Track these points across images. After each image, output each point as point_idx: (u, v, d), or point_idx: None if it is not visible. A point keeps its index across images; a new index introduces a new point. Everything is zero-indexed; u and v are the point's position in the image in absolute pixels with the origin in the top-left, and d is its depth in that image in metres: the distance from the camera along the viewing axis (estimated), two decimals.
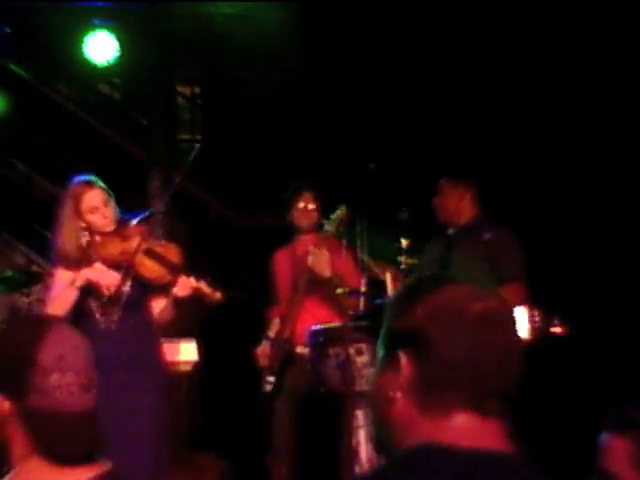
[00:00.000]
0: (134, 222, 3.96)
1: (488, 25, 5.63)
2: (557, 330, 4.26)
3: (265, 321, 5.03)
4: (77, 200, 3.86)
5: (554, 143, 5.64)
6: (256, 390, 4.85)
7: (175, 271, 3.80)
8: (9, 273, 5.78)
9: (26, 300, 5.81)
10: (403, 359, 1.45)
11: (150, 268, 3.83)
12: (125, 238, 3.86)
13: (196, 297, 3.81)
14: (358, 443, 4.30)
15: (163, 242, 3.95)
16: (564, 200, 5.56)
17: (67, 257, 3.87)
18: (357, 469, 4.26)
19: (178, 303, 3.91)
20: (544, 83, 5.66)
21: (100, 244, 3.88)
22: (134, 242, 3.83)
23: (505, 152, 5.66)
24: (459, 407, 1.43)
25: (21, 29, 6.37)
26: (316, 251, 4.66)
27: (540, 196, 5.55)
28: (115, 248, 3.85)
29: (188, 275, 3.80)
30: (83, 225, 3.87)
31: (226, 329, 6.43)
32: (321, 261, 4.66)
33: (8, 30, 6.34)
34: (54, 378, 1.76)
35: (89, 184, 3.90)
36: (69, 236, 3.87)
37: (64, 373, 1.77)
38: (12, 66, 7.08)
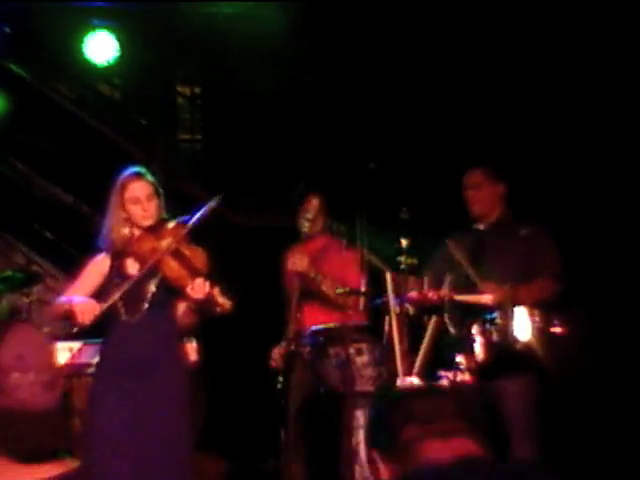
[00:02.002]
0: (174, 222, 3.97)
1: (485, 28, 5.64)
2: (557, 330, 4.26)
3: (284, 322, 5.03)
4: (122, 190, 3.93)
5: (559, 141, 5.64)
6: (257, 390, 4.85)
7: (196, 275, 3.79)
8: (9, 273, 5.79)
9: (26, 300, 5.80)
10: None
11: (172, 268, 3.84)
12: (159, 237, 3.89)
13: (207, 303, 3.79)
14: (358, 443, 4.31)
15: (194, 246, 3.94)
16: (567, 199, 5.56)
17: (109, 245, 3.95)
18: (357, 469, 4.26)
19: (197, 310, 3.90)
20: (541, 81, 5.67)
21: (136, 239, 3.93)
22: (165, 242, 3.85)
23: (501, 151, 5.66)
24: (425, 442, 1.72)
25: (21, 29, 6.37)
26: (296, 255, 4.74)
27: (540, 195, 5.55)
28: (147, 245, 3.88)
29: (206, 280, 3.79)
30: (125, 216, 3.92)
31: (226, 329, 6.43)
32: (302, 262, 4.71)
33: (8, 30, 6.34)
34: (14, 378, 1.76)
35: (136, 175, 3.96)
36: (112, 225, 3.94)
37: (25, 372, 1.77)
38: (12, 66, 7.07)
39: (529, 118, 5.70)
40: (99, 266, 3.97)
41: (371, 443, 1.82)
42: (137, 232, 3.94)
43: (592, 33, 5.37)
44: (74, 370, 4.95)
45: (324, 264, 4.87)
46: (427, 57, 5.94)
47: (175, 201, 5.73)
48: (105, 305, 3.77)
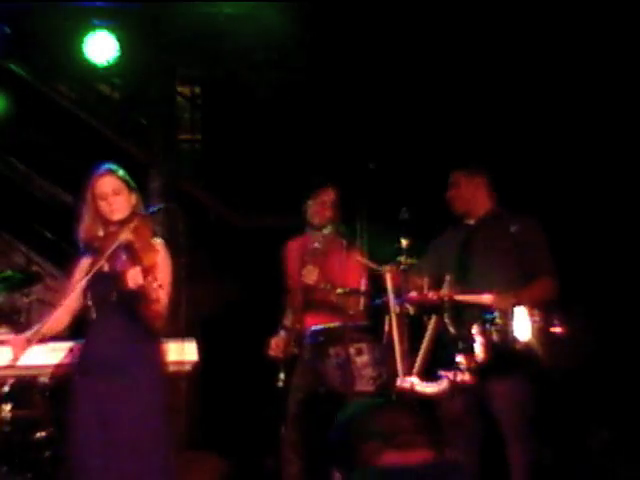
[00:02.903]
0: (138, 216, 3.93)
1: (484, 26, 5.65)
2: (557, 330, 4.26)
3: (281, 310, 5.05)
4: (92, 186, 3.93)
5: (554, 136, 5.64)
6: (257, 389, 4.86)
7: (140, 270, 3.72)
8: (9, 273, 5.78)
9: (26, 300, 5.81)
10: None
11: (122, 262, 3.81)
12: (121, 231, 3.86)
13: (139, 294, 3.69)
14: None
15: (152, 242, 3.87)
16: (567, 196, 5.56)
17: (82, 243, 3.94)
18: None
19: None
20: (539, 81, 5.67)
21: (106, 235, 3.91)
22: (123, 235, 3.83)
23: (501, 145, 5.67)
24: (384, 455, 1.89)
25: (21, 29, 6.37)
26: (307, 268, 4.79)
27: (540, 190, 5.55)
28: (112, 240, 3.85)
29: (144, 273, 3.67)
30: (96, 213, 3.90)
31: (226, 328, 6.44)
32: (312, 275, 4.78)
33: (8, 30, 6.34)
34: None
35: (105, 171, 3.96)
36: (84, 223, 3.93)
37: None
38: (12, 66, 7.07)
39: (529, 117, 5.71)
40: (84, 267, 3.93)
41: (331, 464, 1.93)
42: (112, 229, 3.91)
43: (583, 27, 5.38)
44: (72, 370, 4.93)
45: (325, 264, 4.87)
46: (427, 57, 5.95)
47: (175, 201, 5.75)
48: (60, 310, 3.83)
